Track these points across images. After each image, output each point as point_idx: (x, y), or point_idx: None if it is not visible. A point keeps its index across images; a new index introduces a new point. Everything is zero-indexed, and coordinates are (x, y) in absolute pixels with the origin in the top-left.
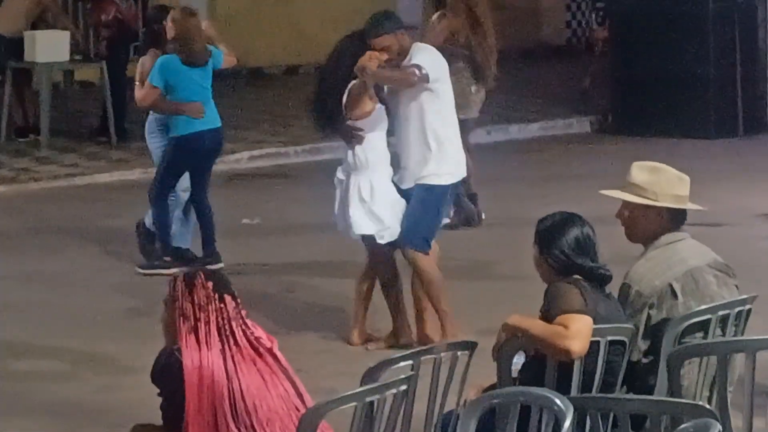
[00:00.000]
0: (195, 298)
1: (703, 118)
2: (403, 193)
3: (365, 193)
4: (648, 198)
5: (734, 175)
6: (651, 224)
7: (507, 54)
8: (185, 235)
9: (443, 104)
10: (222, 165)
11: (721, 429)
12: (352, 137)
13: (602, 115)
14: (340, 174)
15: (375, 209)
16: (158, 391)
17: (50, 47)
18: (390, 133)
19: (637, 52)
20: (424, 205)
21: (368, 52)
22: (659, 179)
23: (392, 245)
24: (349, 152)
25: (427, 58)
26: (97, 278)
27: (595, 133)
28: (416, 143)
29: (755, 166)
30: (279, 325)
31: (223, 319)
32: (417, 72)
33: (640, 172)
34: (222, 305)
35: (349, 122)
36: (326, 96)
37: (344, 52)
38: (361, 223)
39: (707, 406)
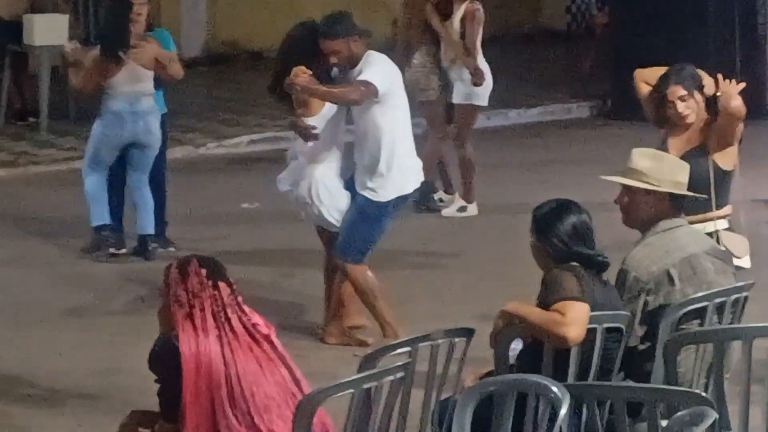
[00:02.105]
0: (188, 285)
1: None
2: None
3: (321, 186)
4: (650, 184)
5: None
6: (651, 210)
7: (507, 39)
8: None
9: (395, 117)
10: (221, 149)
11: (717, 417)
12: (305, 134)
13: (602, 100)
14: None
15: (331, 198)
16: (155, 377)
17: (49, 30)
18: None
19: (636, 37)
20: (363, 217)
21: (295, 68)
22: (661, 165)
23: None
24: (299, 143)
25: (378, 71)
26: (97, 262)
27: (594, 118)
28: (368, 154)
29: (755, 151)
30: (277, 310)
31: (217, 305)
32: (362, 88)
33: (642, 158)
34: (216, 292)
35: (300, 120)
36: (277, 85)
37: (295, 43)
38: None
39: (703, 394)
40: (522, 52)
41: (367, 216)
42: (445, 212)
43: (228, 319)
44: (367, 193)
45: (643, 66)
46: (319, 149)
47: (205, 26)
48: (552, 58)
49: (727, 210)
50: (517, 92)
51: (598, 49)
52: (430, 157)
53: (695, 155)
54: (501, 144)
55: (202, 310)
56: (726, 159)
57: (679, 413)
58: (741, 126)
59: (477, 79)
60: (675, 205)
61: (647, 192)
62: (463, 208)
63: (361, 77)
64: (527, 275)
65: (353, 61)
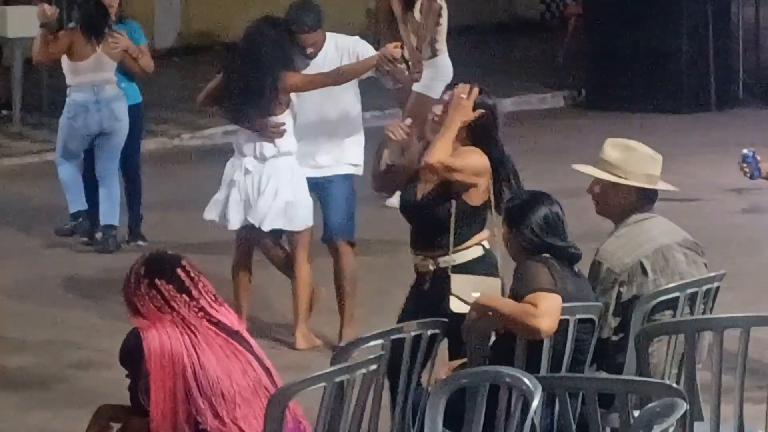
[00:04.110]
0: (130, 283)
1: (676, 92)
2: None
3: (296, 178)
4: (618, 176)
5: (707, 149)
6: (620, 202)
7: (481, 29)
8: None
9: None
10: (195, 140)
11: (688, 408)
12: (275, 131)
13: (576, 90)
14: (249, 165)
15: (303, 193)
16: (126, 372)
17: (22, 22)
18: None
19: (610, 27)
20: (351, 193)
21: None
22: (630, 158)
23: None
24: (266, 143)
25: None
26: (71, 255)
27: (568, 108)
28: (335, 132)
29: (728, 140)
30: (253, 301)
31: (158, 301)
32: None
33: (613, 149)
34: (153, 291)
35: (271, 118)
36: (250, 86)
37: (266, 41)
38: (298, 213)
39: (674, 386)
40: (496, 42)
41: (353, 192)
42: (388, 202)
43: (176, 312)
44: (349, 170)
45: (617, 56)
46: (290, 145)
47: (178, 17)
48: (526, 49)
49: (475, 238)
50: (491, 82)
51: (572, 40)
52: None
53: (438, 193)
54: None
55: (143, 305)
56: (474, 196)
57: (650, 405)
58: (480, 162)
59: (409, 75)
60: (645, 198)
61: (614, 184)
62: None
63: (369, 54)
64: (501, 266)
65: (319, 50)
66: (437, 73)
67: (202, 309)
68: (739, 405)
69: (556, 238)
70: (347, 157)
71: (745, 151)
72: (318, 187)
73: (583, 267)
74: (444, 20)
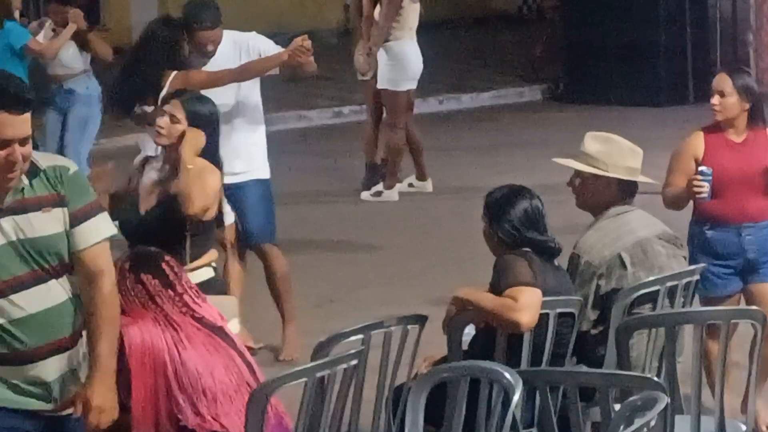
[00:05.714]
0: (116, 278)
1: (653, 85)
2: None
3: None
4: (598, 168)
5: None
6: (601, 194)
7: (458, 23)
8: None
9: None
10: None
11: (668, 401)
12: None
13: (553, 84)
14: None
15: None
16: None
17: None
18: None
19: (587, 20)
20: (266, 198)
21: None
22: (610, 150)
23: None
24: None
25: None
26: None
27: (546, 101)
28: (257, 132)
29: None
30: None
31: (143, 295)
32: None
33: (593, 142)
34: (138, 286)
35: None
36: (134, 82)
37: (155, 37)
38: None
39: (655, 379)
40: (474, 36)
41: (270, 194)
42: (363, 195)
43: (160, 308)
44: (261, 173)
45: (595, 49)
46: None
47: (155, 9)
48: (504, 42)
49: (206, 258)
50: (469, 76)
51: (549, 33)
52: (378, 141)
53: (166, 210)
54: (454, 128)
55: (127, 301)
56: (208, 212)
57: (630, 398)
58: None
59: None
60: (625, 191)
61: (596, 176)
62: (378, 193)
63: (273, 50)
64: (480, 260)
65: (217, 47)
66: (399, 66)
67: (185, 304)
68: (720, 397)
69: (536, 232)
70: (257, 160)
71: (704, 168)
72: (229, 194)
73: (563, 261)
74: (409, 12)
